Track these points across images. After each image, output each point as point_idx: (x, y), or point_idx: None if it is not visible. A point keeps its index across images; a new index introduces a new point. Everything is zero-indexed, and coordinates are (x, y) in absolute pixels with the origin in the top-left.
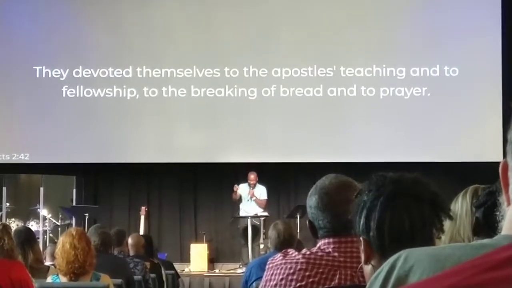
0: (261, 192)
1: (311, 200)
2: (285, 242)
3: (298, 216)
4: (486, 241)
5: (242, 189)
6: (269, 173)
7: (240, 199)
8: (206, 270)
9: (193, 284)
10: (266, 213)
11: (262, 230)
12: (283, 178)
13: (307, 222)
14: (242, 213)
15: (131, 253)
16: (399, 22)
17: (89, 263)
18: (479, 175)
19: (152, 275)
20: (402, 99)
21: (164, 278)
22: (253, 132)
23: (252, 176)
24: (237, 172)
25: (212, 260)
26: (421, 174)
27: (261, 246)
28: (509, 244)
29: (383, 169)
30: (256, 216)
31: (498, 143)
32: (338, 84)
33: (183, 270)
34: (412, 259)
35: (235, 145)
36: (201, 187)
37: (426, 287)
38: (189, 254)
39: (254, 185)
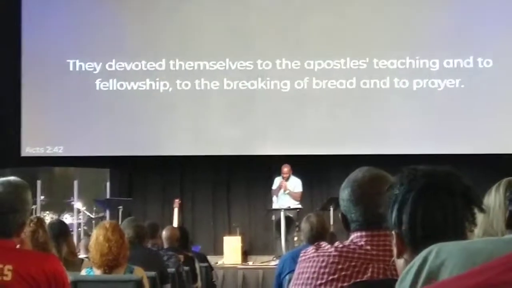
0: (296, 184)
1: (344, 193)
2: (317, 235)
3: (332, 209)
4: None
5: (277, 182)
6: (302, 165)
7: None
8: (239, 262)
9: (227, 276)
10: (299, 206)
11: (295, 223)
12: (316, 171)
13: (339, 215)
14: (275, 206)
15: (165, 245)
16: (432, 13)
17: (123, 256)
18: None
19: (186, 268)
20: (436, 91)
21: (197, 271)
22: (286, 124)
23: (286, 169)
24: (270, 164)
25: (246, 253)
26: (453, 167)
27: (295, 238)
28: None
29: (416, 161)
30: (289, 209)
31: None
32: (371, 76)
33: (217, 263)
34: (444, 254)
35: (268, 137)
36: (235, 179)
37: (452, 285)
38: (223, 247)
39: (287, 178)
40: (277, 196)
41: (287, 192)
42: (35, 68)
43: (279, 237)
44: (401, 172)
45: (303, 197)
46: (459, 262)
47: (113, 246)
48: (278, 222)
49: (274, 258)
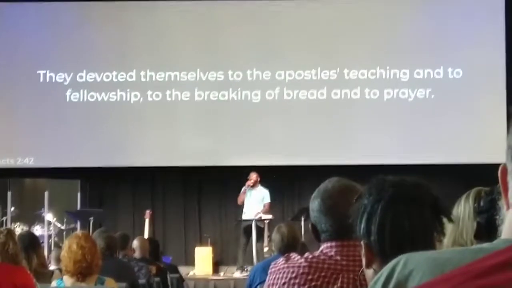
0: (264, 195)
1: (314, 204)
2: (289, 245)
3: (303, 219)
4: (485, 245)
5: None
6: (273, 176)
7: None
8: (210, 273)
9: (198, 287)
10: (270, 216)
11: (266, 233)
12: (287, 181)
13: (310, 225)
14: (244, 216)
15: (137, 255)
16: (402, 24)
17: (96, 264)
18: (483, 177)
19: (157, 279)
20: (406, 101)
21: (169, 282)
22: (257, 135)
23: (254, 175)
24: (242, 175)
25: (217, 264)
26: (421, 177)
27: (265, 249)
28: (502, 250)
29: (387, 171)
30: (260, 220)
31: (502, 145)
32: (342, 86)
33: (188, 274)
34: (411, 264)
35: (239, 148)
36: (205, 190)
37: None
38: (194, 257)
39: (254, 185)
40: (242, 203)
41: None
42: (5, 79)
43: (243, 247)
44: (369, 183)
45: (273, 208)
46: (427, 272)
47: (86, 253)
48: (245, 232)
49: (237, 269)
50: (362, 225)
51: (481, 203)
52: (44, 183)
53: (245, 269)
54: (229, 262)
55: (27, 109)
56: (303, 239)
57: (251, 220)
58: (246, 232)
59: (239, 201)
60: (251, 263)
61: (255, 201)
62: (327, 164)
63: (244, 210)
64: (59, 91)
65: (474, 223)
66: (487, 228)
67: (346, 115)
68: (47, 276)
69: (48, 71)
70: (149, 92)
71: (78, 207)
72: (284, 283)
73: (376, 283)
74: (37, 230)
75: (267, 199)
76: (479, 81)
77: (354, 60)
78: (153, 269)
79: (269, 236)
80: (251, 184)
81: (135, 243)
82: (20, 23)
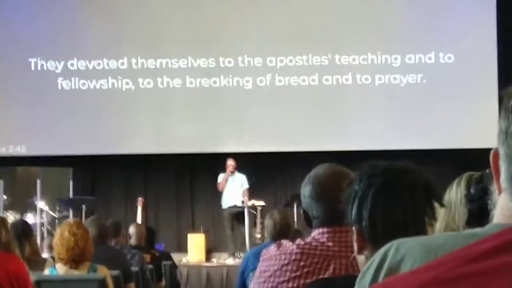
0: (243, 181)
1: (305, 190)
2: (281, 232)
3: (295, 205)
4: (477, 230)
5: (220, 178)
6: (265, 162)
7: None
8: (203, 260)
9: (191, 274)
10: (262, 203)
11: (259, 220)
12: (279, 168)
13: (301, 211)
14: (224, 202)
15: (133, 242)
16: (393, 9)
17: (88, 251)
18: (475, 162)
19: (150, 266)
20: (398, 87)
21: (162, 270)
22: (249, 121)
23: (233, 162)
24: (235, 162)
25: (210, 250)
26: (412, 162)
27: (258, 235)
28: (495, 234)
29: (379, 157)
30: (253, 206)
31: (494, 129)
32: (333, 72)
33: (181, 261)
34: (403, 249)
35: (230, 135)
36: (198, 177)
37: (409, 280)
38: (187, 244)
39: (233, 172)
40: (222, 190)
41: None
42: None
43: (231, 234)
44: (360, 168)
45: (266, 194)
46: (419, 258)
47: (79, 240)
48: (230, 219)
49: (229, 255)
50: (354, 211)
51: (472, 191)
52: (36, 171)
53: (238, 256)
54: (222, 249)
55: (19, 97)
56: (296, 225)
57: (242, 207)
58: (231, 219)
59: (220, 188)
60: (244, 250)
61: (236, 187)
62: (319, 150)
63: (225, 197)
64: (50, 79)
65: (466, 209)
66: (478, 215)
67: (337, 101)
68: (40, 264)
69: (39, 59)
70: (141, 80)
71: (71, 195)
72: (276, 270)
73: (369, 269)
74: (30, 218)
75: (246, 185)
76: (471, 65)
77: (346, 46)
78: (148, 257)
79: (262, 223)
80: (232, 171)
81: (132, 230)
82: (11, 11)
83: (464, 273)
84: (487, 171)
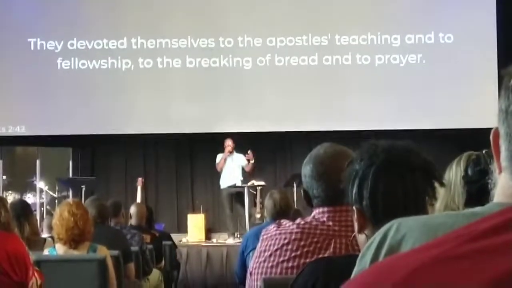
0: (242, 160)
1: (306, 169)
2: (281, 212)
3: (295, 185)
4: (477, 209)
5: (219, 158)
6: (265, 142)
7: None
8: (203, 240)
9: (191, 254)
10: (263, 182)
11: (259, 199)
12: (279, 147)
13: (302, 191)
14: (222, 182)
15: (134, 222)
16: None
17: (88, 231)
18: (475, 141)
19: (149, 246)
20: (398, 67)
21: (162, 250)
22: (248, 101)
23: (231, 142)
24: (233, 141)
25: (209, 230)
26: (412, 142)
27: (258, 215)
28: (495, 213)
29: (379, 136)
30: (252, 186)
31: (493, 109)
32: (333, 52)
33: (181, 241)
34: (404, 229)
35: (230, 115)
36: (198, 157)
37: (410, 259)
38: (186, 225)
39: (231, 152)
40: (221, 170)
41: (245, 164)
42: None
43: (230, 214)
44: (361, 148)
45: (266, 174)
46: (419, 237)
47: (78, 220)
48: (229, 199)
49: (229, 236)
50: (354, 190)
51: (469, 172)
52: (36, 151)
53: (237, 236)
54: (222, 229)
55: (18, 77)
56: (295, 205)
57: (241, 187)
58: (230, 199)
59: (219, 168)
60: (244, 229)
61: (235, 167)
62: (319, 130)
63: (224, 177)
64: (50, 59)
65: (464, 190)
66: (477, 196)
67: (337, 81)
68: (40, 244)
69: (38, 39)
70: (140, 60)
71: (70, 175)
72: (276, 250)
73: (369, 248)
74: (29, 198)
75: (246, 162)
76: (470, 45)
77: (345, 26)
78: (148, 238)
79: (261, 203)
80: (231, 151)
81: (133, 209)
82: None
83: (465, 252)
84: (484, 151)
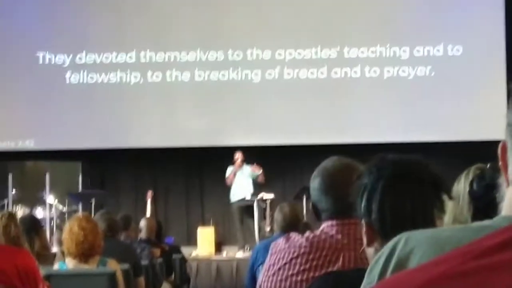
0: (250, 172)
1: (314, 182)
2: (291, 225)
3: (304, 198)
4: (485, 222)
5: (229, 171)
6: (274, 155)
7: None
8: (213, 253)
9: (201, 268)
10: (271, 195)
11: (268, 213)
12: (288, 160)
13: (310, 204)
14: (233, 195)
15: (144, 236)
16: (402, 1)
17: (98, 245)
18: (483, 154)
19: (159, 260)
20: (406, 79)
21: (172, 264)
22: (258, 114)
23: (241, 154)
24: (243, 154)
25: (220, 244)
26: (420, 155)
27: (267, 228)
28: (503, 228)
29: (387, 149)
30: (262, 199)
31: (502, 122)
32: (342, 65)
33: (190, 254)
34: (412, 242)
35: (239, 128)
36: (207, 170)
37: (417, 275)
38: (196, 238)
39: (241, 165)
40: (231, 184)
41: (256, 175)
42: (4, 61)
43: (240, 227)
44: (370, 161)
45: (275, 187)
46: (427, 250)
47: (88, 234)
48: (240, 212)
49: (239, 249)
50: (363, 204)
51: (474, 187)
52: (45, 166)
53: (247, 249)
54: (232, 242)
55: (27, 91)
56: (305, 218)
57: (251, 201)
58: (240, 212)
59: (229, 182)
60: (253, 243)
61: (244, 180)
62: (328, 143)
63: (234, 190)
64: (58, 72)
65: (471, 205)
66: (484, 210)
67: (346, 94)
68: (50, 258)
69: (47, 53)
70: (149, 73)
71: (80, 189)
72: (285, 263)
73: (378, 262)
74: (39, 213)
75: (257, 173)
76: (479, 58)
77: (354, 38)
78: (157, 251)
79: (271, 216)
80: (240, 164)
81: (142, 223)
82: (19, 4)
83: (473, 268)
84: (488, 165)
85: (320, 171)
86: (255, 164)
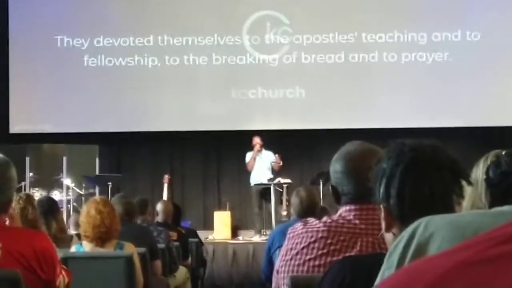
0: (270, 157)
1: (336, 166)
2: (307, 209)
3: (321, 183)
4: (505, 208)
5: (248, 156)
6: (291, 140)
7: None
8: (229, 237)
9: (217, 251)
10: (289, 180)
11: (285, 197)
12: (305, 145)
13: (330, 187)
14: (252, 180)
15: (160, 219)
16: None
17: (115, 228)
18: (502, 139)
19: (176, 244)
20: (424, 64)
21: (189, 247)
22: (275, 99)
23: (259, 139)
24: (261, 139)
25: (236, 228)
26: (439, 140)
27: (284, 213)
28: None
29: (405, 135)
30: (279, 183)
31: None
32: (359, 50)
33: (207, 238)
34: (432, 227)
35: (257, 112)
36: (224, 155)
37: (439, 262)
38: (213, 222)
39: (260, 150)
40: (251, 169)
41: (272, 162)
42: (23, 45)
43: (258, 211)
44: (388, 146)
45: (292, 172)
46: (447, 235)
47: (105, 218)
48: (258, 196)
49: (256, 233)
50: (382, 189)
51: (490, 175)
52: (63, 148)
53: (264, 233)
54: (248, 226)
55: (45, 75)
56: (321, 203)
57: (269, 184)
58: (259, 197)
59: (250, 168)
60: (270, 227)
61: (264, 165)
62: (346, 128)
63: (254, 175)
64: (76, 56)
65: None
66: (502, 197)
67: (364, 79)
68: (67, 241)
69: (65, 36)
70: (167, 57)
71: (97, 172)
72: (303, 248)
73: (397, 246)
74: (56, 195)
75: (274, 159)
76: (497, 44)
77: (372, 24)
78: (174, 235)
79: (288, 200)
80: (259, 149)
81: (159, 207)
82: None
83: (495, 255)
84: (503, 152)
85: (343, 154)
86: (277, 156)
